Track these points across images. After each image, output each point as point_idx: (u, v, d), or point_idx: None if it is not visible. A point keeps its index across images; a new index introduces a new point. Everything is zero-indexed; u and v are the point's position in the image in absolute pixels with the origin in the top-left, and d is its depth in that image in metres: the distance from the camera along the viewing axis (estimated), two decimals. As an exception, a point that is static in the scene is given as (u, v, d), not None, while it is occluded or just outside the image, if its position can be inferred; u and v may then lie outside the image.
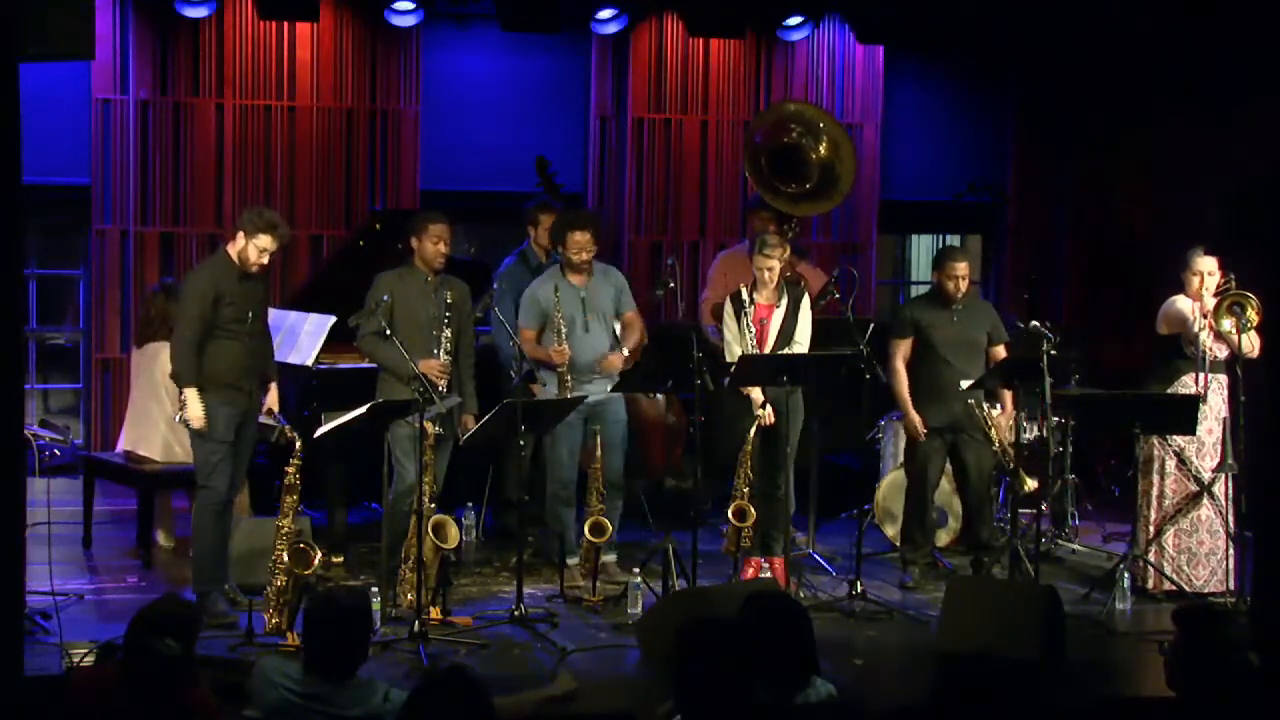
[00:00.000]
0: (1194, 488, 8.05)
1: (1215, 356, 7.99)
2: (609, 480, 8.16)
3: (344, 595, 5.25)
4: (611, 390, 8.10)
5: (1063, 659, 6.90)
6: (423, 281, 7.73)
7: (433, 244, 7.71)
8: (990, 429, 8.28)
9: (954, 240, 11.96)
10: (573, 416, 8.03)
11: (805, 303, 8.30)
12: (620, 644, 7.10)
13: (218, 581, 7.27)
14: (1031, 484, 8.46)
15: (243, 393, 7.24)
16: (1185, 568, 8.05)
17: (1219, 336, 7.95)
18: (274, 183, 10.60)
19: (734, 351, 8.11)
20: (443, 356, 7.63)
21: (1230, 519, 7.98)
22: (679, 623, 4.54)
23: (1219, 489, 8.03)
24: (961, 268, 8.28)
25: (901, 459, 9.26)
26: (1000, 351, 8.37)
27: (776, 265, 8.11)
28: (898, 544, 8.98)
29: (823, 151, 9.53)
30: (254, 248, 7.17)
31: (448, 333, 7.66)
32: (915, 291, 12.60)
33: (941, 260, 8.40)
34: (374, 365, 7.87)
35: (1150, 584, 8.03)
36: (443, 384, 7.59)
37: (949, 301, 8.29)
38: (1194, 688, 4.91)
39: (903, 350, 8.39)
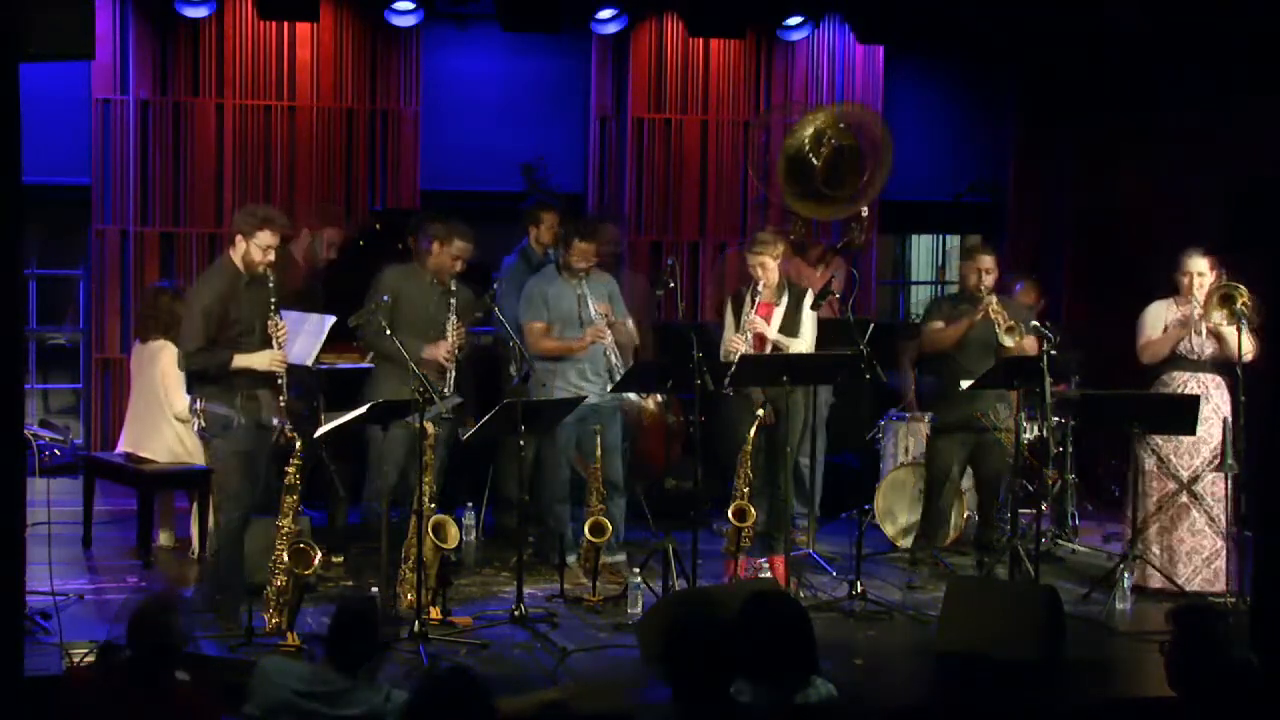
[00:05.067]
0: (1172, 486, 8.07)
1: (1200, 354, 8.05)
2: (609, 481, 8.17)
3: (367, 600, 5.36)
4: (611, 391, 8.11)
5: (1063, 659, 6.90)
6: (428, 282, 7.71)
7: (451, 259, 7.73)
8: (1002, 432, 8.28)
9: (954, 240, 11.96)
10: (569, 417, 8.04)
11: (807, 301, 8.30)
12: (620, 644, 7.10)
13: (243, 595, 7.23)
14: (1051, 474, 8.47)
15: (257, 401, 7.21)
16: (1168, 565, 8.08)
17: (1210, 334, 7.99)
18: (274, 183, 10.59)
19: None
20: (450, 340, 7.58)
21: (1226, 519, 7.97)
22: (673, 621, 4.53)
23: (1207, 488, 8.03)
24: (986, 260, 8.29)
25: (902, 459, 9.28)
26: (1029, 343, 8.27)
27: (769, 261, 8.10)
28: (898, 544, 8.99)
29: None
30: (256, 248, 7.13)
31: (453, 319, 7.62)
32: (915, 291, 12.63)
33: (969, 254, 8.45)
34: (373, 365, 7.86)
35: (1137, 579, 8.03)
36: (450, 372, 7.54)
37: (974, 299, 8.26)
38: (1191, 687, 4.92)
39: (935, 324, 8.37)
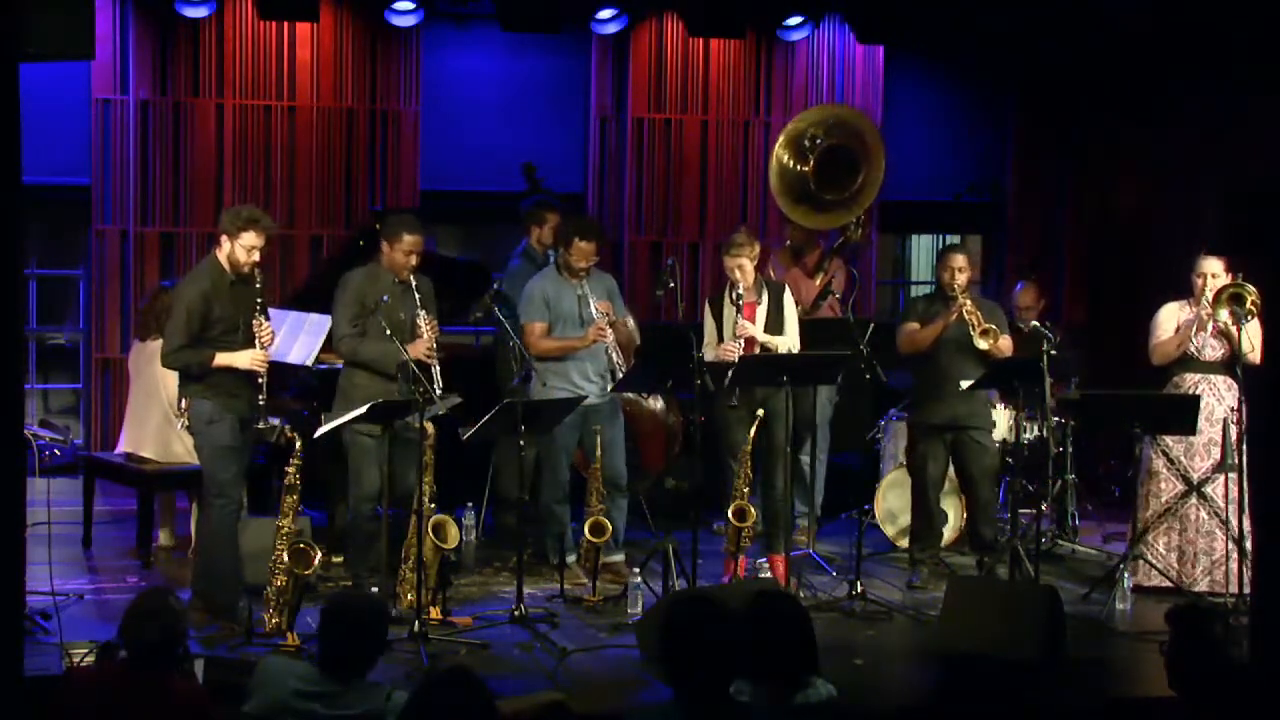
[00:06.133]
0: (1182, 487, 8.07)
1: (1203, 355, 8.06)
2: (611, 481, 8.16)
3: (362, 600, 5.29)
4: (611, 391, 8.10)
5: (1063, 659, 6.90)
6: (391, 281, 7.63)
7: (404, 254, 7.50)
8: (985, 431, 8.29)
9: (954, 240, 11.97)
10: (573, 416, 8.03)
11: (788, 297, 8.31)
12: (620, 644, 7.10)
13: (240, 590, 7.24)
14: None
15: (240, 400, 7.20)
16: (1175, 566, 8.09)
17: (1217, 333, 8.00)
18: (274, 183, 10.59)
19: (711, 356, 8.09)
20: (426, 335, 7.53)
21: (1234, 519, 7.97)
22: (673, 621, 4.53)
23: (1217, 490, 8.02)
24: (958, 259, 8.26)
25: (902, 459, 9.28)
26: (1004, 343, 8.26)
27: (747, 263, 8.10)
28: (897, 544, 8.99)
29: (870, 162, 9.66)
30: (241, 248, 7.13)
31: (422, 313, 7.56)
32: (915, 291, 12.63)
33: (941, 255, 8.44)
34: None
35: (1139, 579, 8.04)
36: (435, 368, 7.49)
37: (949, 299, 8.25)
38: (1189, 686, 4.93)
39: (910, 326, 8.35)
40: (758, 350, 8.11)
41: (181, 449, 8.41)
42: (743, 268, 8.07)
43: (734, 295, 8.11)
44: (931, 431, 8.31)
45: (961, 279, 8.22)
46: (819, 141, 9.60)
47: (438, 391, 7.38)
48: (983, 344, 8.08)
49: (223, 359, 7.09)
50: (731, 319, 8.12)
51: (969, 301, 8.17)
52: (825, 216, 9.64)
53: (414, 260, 7.55)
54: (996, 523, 8.51)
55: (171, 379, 8.35)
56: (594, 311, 8.05)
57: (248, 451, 7.40)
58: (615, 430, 8.30)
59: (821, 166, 9.57)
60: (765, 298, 8.21)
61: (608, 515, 8.07)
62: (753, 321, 8.11)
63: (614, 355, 8.07)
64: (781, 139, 9.72)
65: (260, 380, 7.12)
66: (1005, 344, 8.18)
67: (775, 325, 8.18)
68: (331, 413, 7.53)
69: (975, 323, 8.09)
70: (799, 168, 9.60)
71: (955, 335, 8.23)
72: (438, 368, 7.45)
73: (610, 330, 8.03)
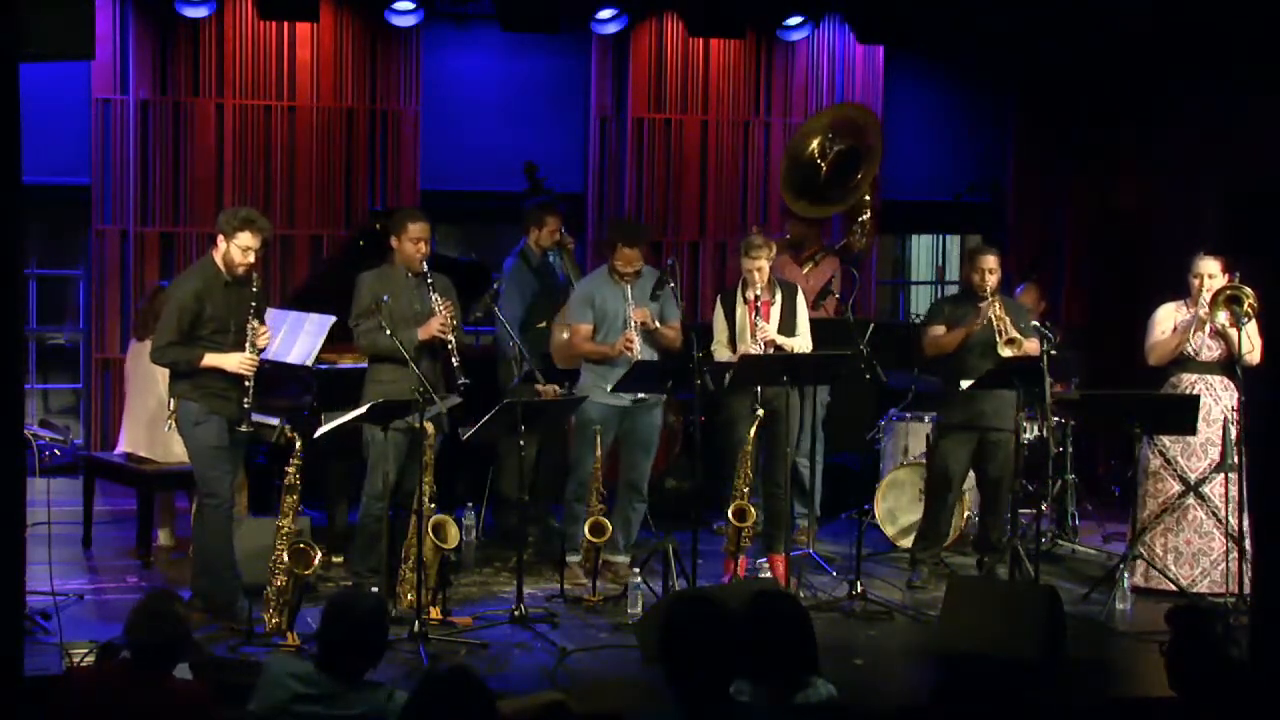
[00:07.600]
0: (1179, 487, 8.07)
1: (1200, 355, 8.06)
2: (633, 484, 8.15)
3: (363, 599, 5.28)
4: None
5: (1063, 659, 6.90)
6: (404, 277, 7.65)
7: (412, 244, 7.56)
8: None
9: (954, 240, 11.98)
10: (609, 417, 8.03)
11: (800, 297, 8.32)
12: (620, 644, 7.10)
13: (238, 588, 7.25)
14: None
15: (230, 401, 7.20)
16: (1172, 566, 8.09)
17: (1215, 334, 8.00)
18: (274, 183, 10.59)
19: (722, 355, 8.09)
20: (442, 313, 7.54)
21: (1232, 519, 7.97)
22: (673, 621, 4.53)
23: (1215, 489, 8.02)
24: (989, 260, 8.22)
25: (902, 459, 9.28)
26: (1030, 346, 8.24)
27: (765, 265, 8.12)
28: (897, 544, 8.98)
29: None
30: (236, 248, 7.14)
31: (437, 298, 7.56)
32: (914, 291, 12.63)
33: (972, 255, 8.42)
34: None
35: (1139, 580, 8.04)
36: (454, 352, 7.50)
37: (977, 299, 8.22)
38: (1189, 686, 4.93)
39: (935, 330, 8.34)
40: (772, 352, 8.13)
41: (181, 449, 8.41)
42: (761, 270, 8.09)
43: (747, 295, 8.11)
44: (956, 431, 8.29)
45: (992, 280, 8.17)
46: (835, 147, 9.68)
47: (455, 364, 7.39)
48: (1006, 352, 8.05)
49: (211, 359, 7.10)
50: (744, 318, 8.12)
51: (998, 305, 8.14)
52: (823, 207, 9.70)
53: (424, 248, 7.60)
54: (1004, 526, 8.49)
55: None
56: (630, 320, 8.02)
57: (239, 451, 7.41)
58: (651, 434, 8.27)
59: (832, 167, 9.64)
60: (778, 297, 8.22)
61: (624, 517, 8.08)
62: (768, 320, 8.12)
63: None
64: (810, 138, 9.77)
65: (247, 384, 7.13)
66: (1031, 348, 8.13)
67: (789, 325, 8.20)
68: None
69: (1002, 329, 8.06)
70: (817, 160, 9.66)
71: (981, 337, 8.17)
72: (454, 344, 7.47)
73: (637, 340, 7.99)
